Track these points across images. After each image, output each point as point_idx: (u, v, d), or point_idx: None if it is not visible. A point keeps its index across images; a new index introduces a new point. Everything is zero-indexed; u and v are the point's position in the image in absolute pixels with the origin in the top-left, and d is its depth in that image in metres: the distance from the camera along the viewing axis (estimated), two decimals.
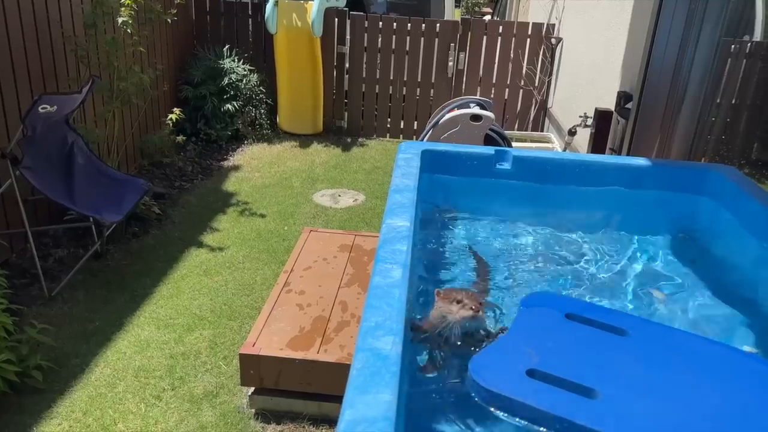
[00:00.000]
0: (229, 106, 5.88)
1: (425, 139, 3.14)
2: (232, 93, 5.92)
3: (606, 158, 2.51)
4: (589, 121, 4.00)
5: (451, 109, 3.18)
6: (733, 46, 3.28)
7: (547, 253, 2.24)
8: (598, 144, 4.05)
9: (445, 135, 3.10)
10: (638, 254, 2.25)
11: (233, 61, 6.03)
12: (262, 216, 4.55)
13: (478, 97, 3.37)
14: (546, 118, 6.30)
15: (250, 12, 6.39)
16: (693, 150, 3.23)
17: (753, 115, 3.33)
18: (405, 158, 2.18)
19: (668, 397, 1.29)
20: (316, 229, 3.70)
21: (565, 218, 2.37)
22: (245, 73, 6.01)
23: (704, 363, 1.42)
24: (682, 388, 1.32)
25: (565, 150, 4.42)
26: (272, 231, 4.32)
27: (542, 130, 6.25)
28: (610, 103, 4.03)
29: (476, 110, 3.13)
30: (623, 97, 3.72)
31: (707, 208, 2.27)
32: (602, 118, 3.97)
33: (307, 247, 3.43)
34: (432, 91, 6.41)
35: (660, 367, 1.39)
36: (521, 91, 6.30)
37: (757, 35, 3.33)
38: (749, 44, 3.37)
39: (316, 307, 2.86)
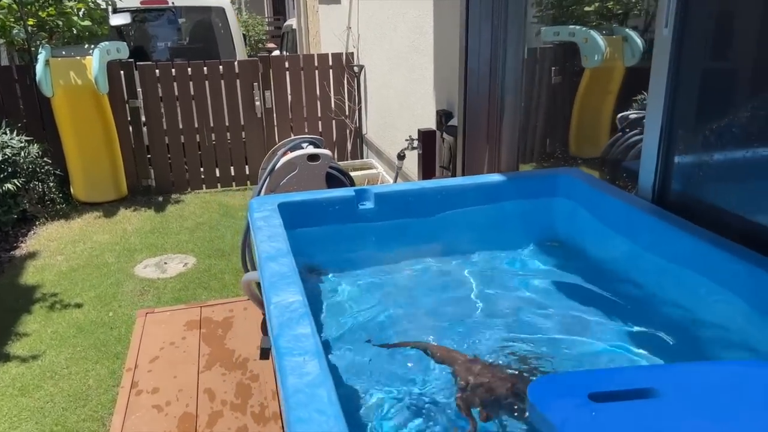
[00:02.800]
0: (8, 185, 4.99)
1: (263, 188, 2.88)
2: (10, 170, 5.04)
3: (461, 180, 2.47)
4: (416, 143, 4.03)
5: (285, 152, 2.96)
6: (537, 52, 3.46)
7: (428, 292, 2.12)
8: (427, 163, 4.10)
9: (285, 180, 2.87)
10: (510, 273, 2.23)
11: (4, 134, 5.17)
12: (78, 306, 3.89)
13: (308, 135, 3.19)
14: (364, 145, 6.33)
15: (15, 76, 5.55)
16: (520, 157, 3.38)
17: (571, 114, 3.54)
18: (263, 216, 1.92)
19: None
20: (152, 309, 3.24)
21: (436, 249, 2.28)
22: (22, 145, 5.17)
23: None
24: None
25: (396, 175, 4.42)
26: (95, 321, 3.70)
27: (362, 158, 6.27)
28: (430, 123, 4.11)
29: (311, 149, 2.95)
30: (443, 116, 3.81)
31: (565, 212, 2.33)
32: (426, 138, 4.04)
33: (147, 333, 2.97)
34: (243, 133, 6.10)
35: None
36: (334, 121, 6.27)
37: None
38: (553, 49, 3.57)
39: (177, 403, 2.45)
